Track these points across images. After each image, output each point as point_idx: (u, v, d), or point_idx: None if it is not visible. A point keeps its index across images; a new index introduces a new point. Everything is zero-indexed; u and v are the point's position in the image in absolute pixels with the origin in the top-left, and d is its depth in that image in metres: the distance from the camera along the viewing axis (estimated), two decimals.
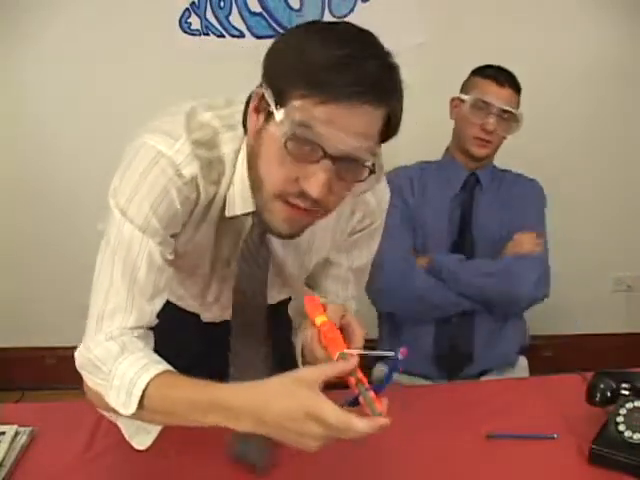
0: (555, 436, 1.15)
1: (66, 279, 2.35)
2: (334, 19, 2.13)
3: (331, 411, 0.71)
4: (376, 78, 0.78)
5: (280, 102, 0.79)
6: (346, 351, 0.82)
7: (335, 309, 0.89)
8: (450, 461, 1.10)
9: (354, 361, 0.78)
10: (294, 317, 1.18)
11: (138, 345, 0.89)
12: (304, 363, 1.04)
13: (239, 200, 0.93)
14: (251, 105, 0.85)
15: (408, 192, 1.69)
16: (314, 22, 0.85)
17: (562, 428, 1.17)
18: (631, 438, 1.06)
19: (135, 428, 0.94)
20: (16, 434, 1.13)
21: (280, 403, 0.73)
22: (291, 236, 0.91)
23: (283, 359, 1.05)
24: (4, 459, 1.07)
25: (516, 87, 1.61)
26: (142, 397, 0.83)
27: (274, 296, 1.12)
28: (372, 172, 0.83)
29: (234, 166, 0.92)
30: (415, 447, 1.13)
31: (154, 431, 0.93)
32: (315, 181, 0.79)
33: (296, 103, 0.77)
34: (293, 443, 0.75)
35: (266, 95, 0.81)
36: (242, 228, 0.99)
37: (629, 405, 1.11)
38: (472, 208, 1.69)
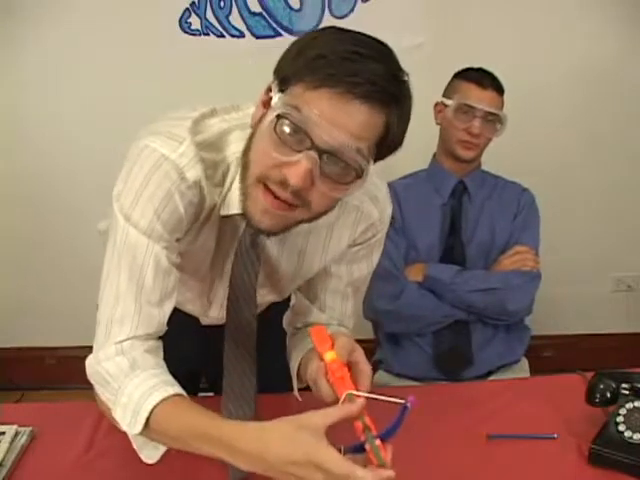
0: (555, 436, 1.15)
1: (66, 279, 2.36)
2: (334, 19, 2.14)
3: (334, 460, 0.71)
4: (378, 78, 0.77)
5: (282, 89, 0.80)
6: (354, 392, 0.80)
7: (344, 344, 0.87)
8: (450, 461, 1.09)
9: (361, 403, 0.77)
10: (287, 327, 1.18)
11: (149, 362, 0.89)
12: (299, 383, 1.05)
13: (235, 200, 0.91)
14: (259, 100, 0.85)
15: (393, 204, 1.67)
16: (336, 26, 0.83)
17: (562, 428, 1.16)
18: (631, 438, 1.06)
19: (144, 441, 0.93)
20: (16, 434, 1.13)
21: (283, 448, 0.73)
22: (271, 231, 0.89)
23: (274, 374, 1.06)
24: (4, 459, 1.07)
25: (499, 89, 1.61)
26: (148, 418, 0.83)
27: (263, 295, 1.11)
28: (359, 177, 0.82)
29: (238, 166, 0.91)
30: (415, 447, 1.13)
31: (162, 446, 0.92)
32: (296, 169, 0.78)
33: (294, 88, 0.78)
34: None
35: (272, 86, 0.82)
36: (239, 229, 0.98)
37: (629, 405, 1.11)
38: (461, 216, 1.69)
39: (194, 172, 0.87)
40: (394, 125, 0.82)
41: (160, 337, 0.94)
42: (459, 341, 1.64)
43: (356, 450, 0.77)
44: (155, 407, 0.83)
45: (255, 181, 0.83)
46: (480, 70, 1.62)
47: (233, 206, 0.92)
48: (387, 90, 0.78)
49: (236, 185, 0.90)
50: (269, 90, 0.83)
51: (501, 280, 1.61)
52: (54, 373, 2.41)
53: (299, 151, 0.78)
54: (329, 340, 0.87)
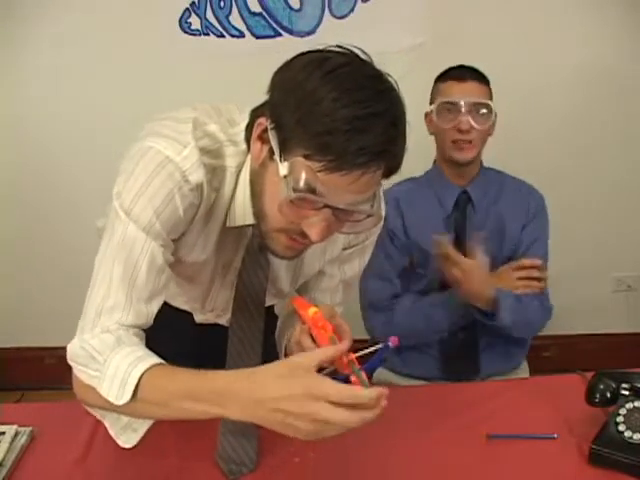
0: (555, 436, 1.15)
1: (66, 279, 2.35)
2: (334, 19, 2.14)
3: (333, 386, 0.72)
4: (382, 145, 0.79)
5: (284, 151, 0.81)
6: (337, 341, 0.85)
7: (325, 307, 0.93)
8: (450, 461, 1.10)
9: (347, 342, 0.82)
10: (280, 312, 1.21)
11: (134, 339, 0.90)
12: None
13: (240, 213, 0.96)
14: (254, 132, 0.87)
15: (396, 218, 1.61)
16: (326, 57, 0.82)
17: (562, 428, 1.17)
18: (631, 438, 1.06)
19: (121, 426, 0.94)
20: (16, 434, 1.13)
21: (279, 383, 0.74)
22: (291, 258, 0.97)
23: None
24: (4, 459, 1.07)
25: (480, 79, 1.52)
26: (136, 387, 0.83)
27: (268, 300, 1.14)
28: (370, 216, 0.87)
29: (236, 179, 0.95)
30: (415, 447, 1.13)
31: (141, 429, 0.93)
32: (316, 229, 0.84)
33: (300, 162, 0.79)
34: (286, 427, 0.74)
35: (270, 136, 0.83)
36: (242, 237, 1.02)
37: (629, 405, 1.11)
38: (465, 229, 1.60)
39: (197, 175, 0.90)
40: (396, 160, 0.85)
41: (144, 330, 0.95)
42: (465, 352, 1.63)
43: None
44: (143, 374, 0.83)
45: (275, 230, 0.89)
46: (460, 66, 1.56)
47: (239, 218, 0.97)
48: (392, 150, 0.82)
49: (237, 199, 0.95)
50: (265, 130, 0.84)
51: (546, 313, 1.57)
52: (54, 373, 2.39)
53: (315, 209, 0.83)
54: (309, 304, 0.93)
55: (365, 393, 0.72)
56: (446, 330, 1.59)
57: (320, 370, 0.77)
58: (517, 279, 1.53)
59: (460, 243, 1.59)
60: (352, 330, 0.92)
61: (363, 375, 0.80)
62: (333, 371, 0.81)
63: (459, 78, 1.52)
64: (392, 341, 0.85)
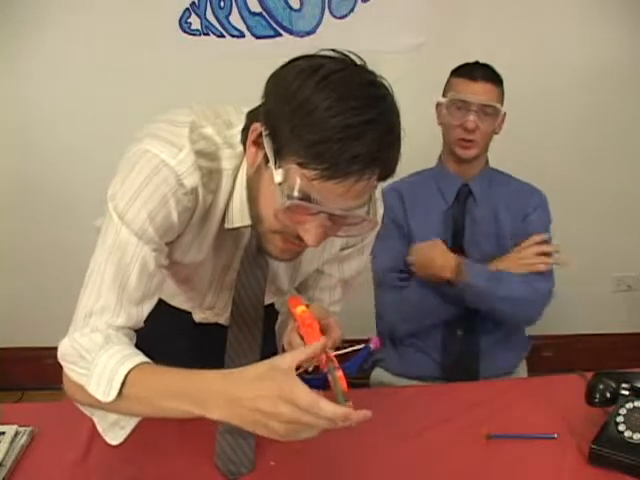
0: (555, 436, 1.15)
1: (65, 279, 2.34)
2: (334, 19, 2.14)
3: (302, 391, 0.72)
4: (375, 152, 0.79)
5: (279, 158, 0.82)
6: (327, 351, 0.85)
7: (318, 308, 0.95)
8: (450, 461, 1.10)
9: (324, 341, 0.82)
10: (280, 307, 1.23)
11: (123, 339, 0.91)
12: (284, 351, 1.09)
13: (237, 215, 0.96)
14: (249, 137, 0.87)
15: (399, 210, 1.66)
16: (320, 64, 0.81)
17: (562, 428, 1.17)
18: (631, 438, 1.06)
19: (109, 423, 0.95)
20: (16, 434, 1.13)
21: (255, 382, 0.75)
22: (288, 261, 1.00)
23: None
24: (4, 459, 1.07)
25: (491, 79, 1.57)
26: (122, 385, 0.84)
27: (267, 298, 1.15)
28: (365, 220, 0.87)
29: (233, 182, 0.95)
30: (415, 447, 1.13)
31: (128, 427, 0.94)
32: (312, 234, 0.85)
33: (294, 170, 0.80)
34: (262, 428, 0.75)
35: (265, 143, 0.83)
36: (240, 238, 1.02)
37: (629, 405, 1.11)
38: (465, 222, 1.65)
39: (192, 179, 0.90)
40: (390, 166, 0.85)
41: (136, 330, 0.96)
42: (466, 358, 1.63)
43: (315, 386, 0.79)
44: (130, 372, 0.84)
45: (271, 232, 0.90)
46: (475, 63, 1.60)
47: (237, 220, 0.97)
48: (385, 156, 0.81)
49: (235, 201, 0.96)
50: (259, 135, 0.84)
51: (517, 292, 1.56)
52: (54, 373, 2.39)
53: (310, 214, 0.83)
54: (302, 302, 0.95)
55: (330, 409, 0.72)
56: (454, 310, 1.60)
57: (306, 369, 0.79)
58: (526, 257, 1.56)
59: (458, 236, 1.64)
60: (351, 330, 0.93)
61: (338, 375, 0.80)
62: (315, 368, 0.82)
63: (472, 77, 1.57)
64: (374, 343, 0.87)
